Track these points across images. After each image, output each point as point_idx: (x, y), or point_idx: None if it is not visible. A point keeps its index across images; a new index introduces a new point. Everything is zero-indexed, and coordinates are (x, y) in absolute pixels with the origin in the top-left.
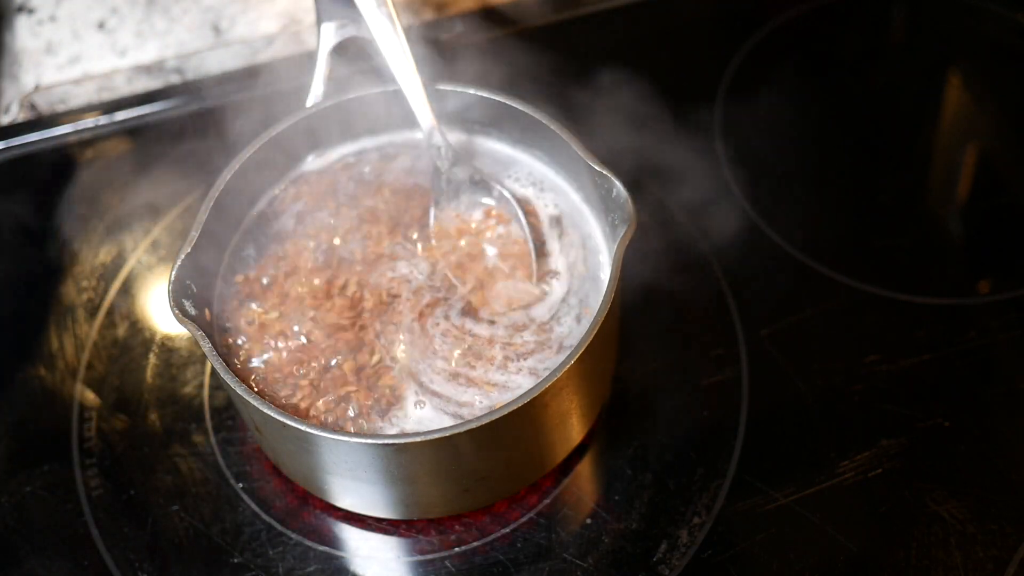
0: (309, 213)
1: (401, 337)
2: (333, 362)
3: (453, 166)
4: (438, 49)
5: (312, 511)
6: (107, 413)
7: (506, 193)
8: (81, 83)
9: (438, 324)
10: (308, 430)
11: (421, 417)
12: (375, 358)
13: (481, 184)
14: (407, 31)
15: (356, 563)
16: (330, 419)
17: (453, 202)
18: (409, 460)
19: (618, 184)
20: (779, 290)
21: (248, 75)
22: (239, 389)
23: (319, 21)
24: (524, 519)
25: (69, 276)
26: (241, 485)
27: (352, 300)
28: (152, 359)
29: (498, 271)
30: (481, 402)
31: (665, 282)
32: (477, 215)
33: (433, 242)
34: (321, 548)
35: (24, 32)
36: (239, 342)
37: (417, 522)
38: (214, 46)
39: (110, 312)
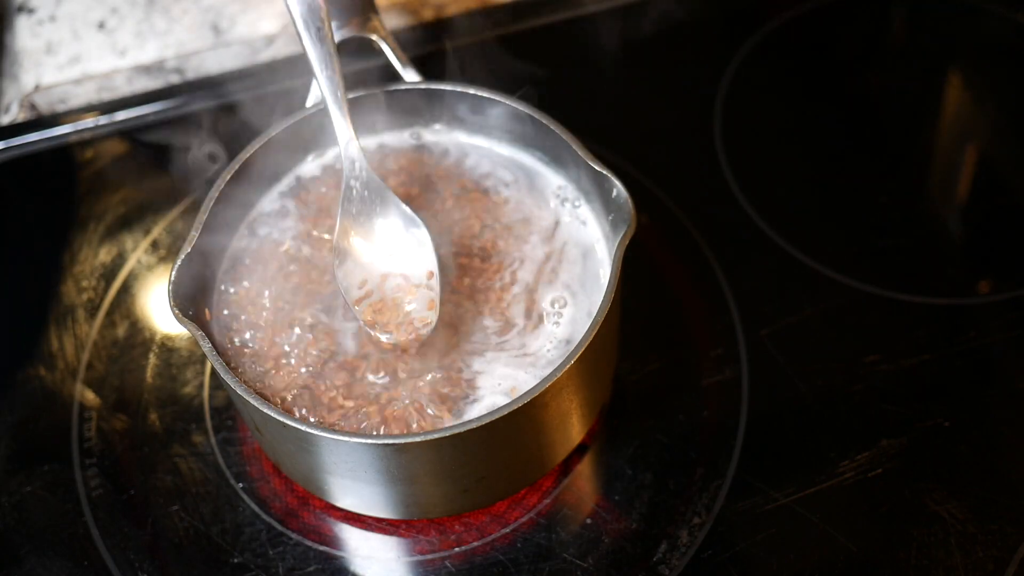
0: (309, 213)
1: (407, 337)
2: (332, 359)
3: (365, 188)
4: (438, 49)
5: (312, 511)
6: (107, 413)
7: (422, 232)
8: (81, 83)
9: (448, 327)
10: (308, 430)
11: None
12: (379, 357)
13: (394, 211)
14: (407, 31)
15: (356, 563)
16: (331, 419)
17: (362, 226)
18: (409, 460)
19: (618, 184)
20: (779, 290)
21: (248, 75)
22: (239, 389)
23: None
24: (524, 519)
25: (69, 276)
26: (241, 485)
27: (354, 301)
28: (152, 359)
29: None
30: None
31: (665, 282)
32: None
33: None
34: (321, 548)
35: (24, 32)
36: (239, 342)
37: (417, 522)
38: (214, 46)
39: (110, 312)
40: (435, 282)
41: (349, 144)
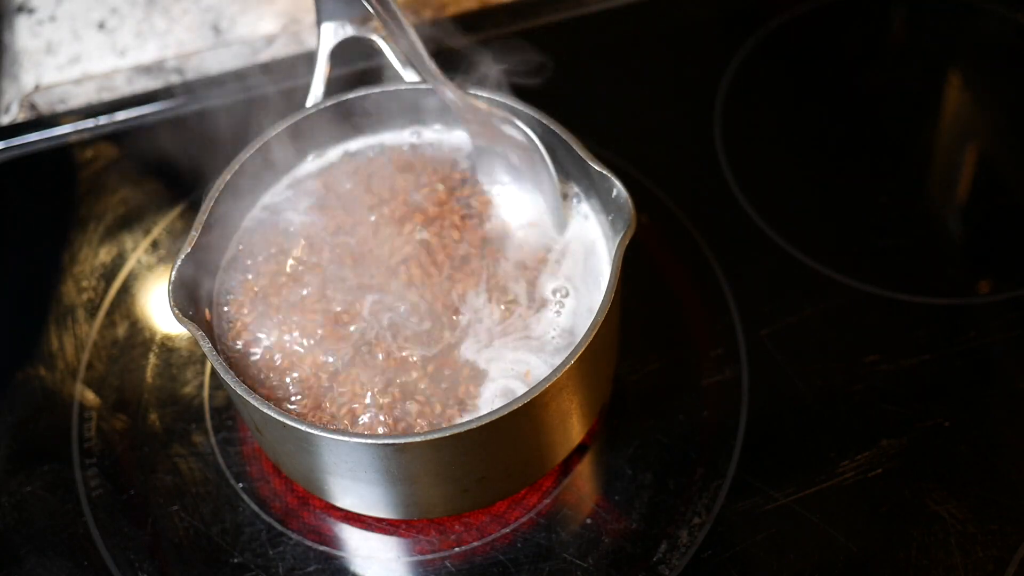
0: (309, 213)
1: (407, 335)
2: (332, 359)
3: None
4: (438, 49)
5: (312, 511)
6: (107, 413)
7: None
8: (81, 83)
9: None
10: (308, 430)
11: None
12: (379, 357)
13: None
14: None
15: (356, 563)
16: (330, 418)
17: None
18: (409, 460)
19: (618, 184)
20: (779, 290)
21: (248, 75)
22: (239, 389)
23: (319, 21)
24: (524, 519)
25: (69, 276)
26: (241, 485)
27: (354, 300)
28: (152, 359)
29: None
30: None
31: (665, 282)
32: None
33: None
34: (321, 548)
35: (24, 32)
36: (239, 342)
37: (417, 522)
38: (214, 46)
39: (110, 312)
40: (554, 195)
41: (456, 105)
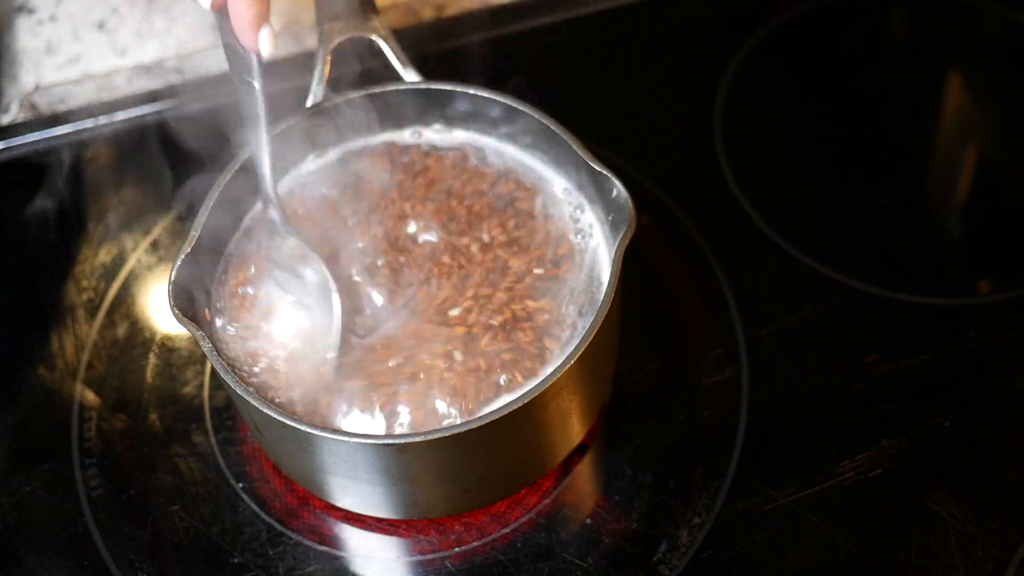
0: (309, 213)
1: (409, 333)
2: (332, 359)
3: (286, 238)
4: (438, 49)
5: (312, 511)
6: (107, 413)
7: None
8: (81, 83)
9: (453, 318)
10: (308, 430)
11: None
12: (377, 357)
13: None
14: (407, 31)
15: (356, 563)
16: (329, 418)
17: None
18: (409, 460)
19: (618, 184)
20: (779, 290)
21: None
22: (239, 389)
23: (319, 21)
24: (524, 519)
25: (69, 276)
26: (241, 485)
27: (353, 299)
28: (152, 359)
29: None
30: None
31: (665, 282)
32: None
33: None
34: (321, 548)
35: (24, 32)
36: (239, 341)
37: (417, 522)
38: (214, 46)
39: (110, 312)
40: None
41: (270, 209)
